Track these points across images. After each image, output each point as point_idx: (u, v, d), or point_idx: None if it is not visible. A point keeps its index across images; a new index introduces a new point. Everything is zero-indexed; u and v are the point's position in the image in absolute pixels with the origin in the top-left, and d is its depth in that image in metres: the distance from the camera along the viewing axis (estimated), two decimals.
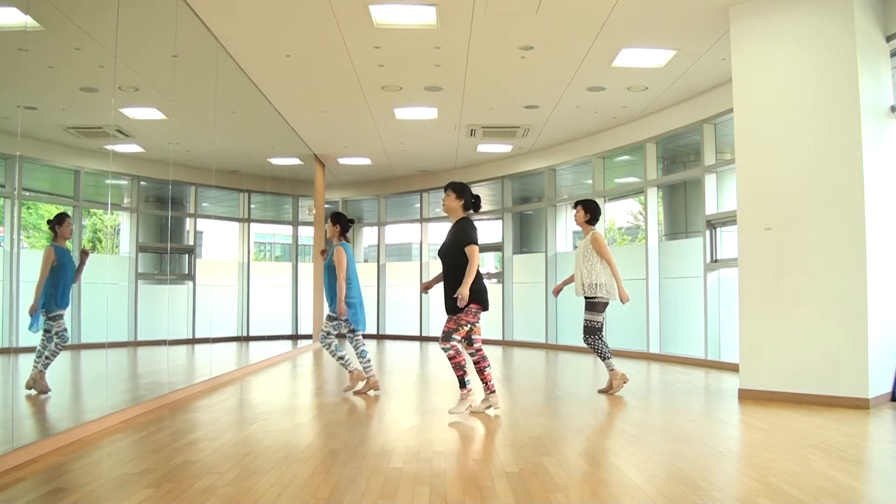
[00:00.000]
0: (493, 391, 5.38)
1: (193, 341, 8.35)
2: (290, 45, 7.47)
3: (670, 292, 10.04)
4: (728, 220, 8.52)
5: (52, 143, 5.94)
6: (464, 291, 5.17)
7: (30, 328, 5.50)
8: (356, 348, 6.59)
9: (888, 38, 6.09)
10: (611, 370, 6.45)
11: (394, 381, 7.98)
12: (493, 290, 13.71)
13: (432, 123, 10.57)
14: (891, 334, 5.88)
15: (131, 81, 6.32)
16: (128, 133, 6.56)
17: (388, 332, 15.42)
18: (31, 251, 5.98)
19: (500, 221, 13.72)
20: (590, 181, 11.85)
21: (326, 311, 6.65)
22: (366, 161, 13.41)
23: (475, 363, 5.43)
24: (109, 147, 6.04)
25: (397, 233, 17.14)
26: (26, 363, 5.39)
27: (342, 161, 13.39)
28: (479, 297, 5.33)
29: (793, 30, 6.14)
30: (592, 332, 6.50)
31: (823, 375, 5.76)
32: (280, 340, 10.83)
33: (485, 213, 14.71)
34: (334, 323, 6.51)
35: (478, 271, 5.31)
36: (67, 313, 5.72)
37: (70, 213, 6.25)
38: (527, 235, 14.04)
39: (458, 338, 5.33)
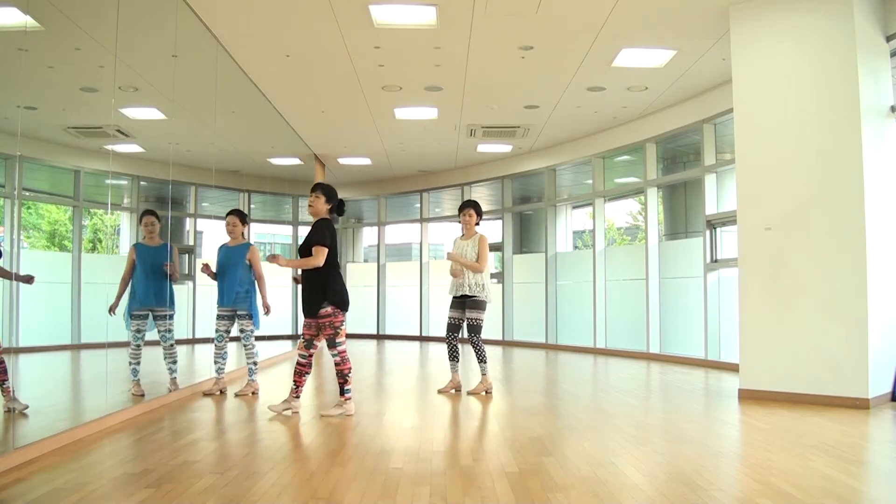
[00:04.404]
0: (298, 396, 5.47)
1: (193, 341, 8.34)
2: (290, 45, 7.46)
3: (670, 292, 10.04)
4: (728, 220, 8.52)
5: (52, 143, 5.94)
6: (282, 261, 5.23)
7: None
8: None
9: (888, 38, 6.09)
10: (484, 374, 6.49)
11: (394, 381, 7.98)
12: (493, 290, 13.76)
13: (432, 123, 10.57)
14: (891, 334, 5.88)
15: (131, 81, 6.32)
16: (128, 133, 6.55)
17: (388, 332, 15.42)
18: (32, 251, 5.97)
19: (500, 221, 13.71)
20: (590, 181, 11.85)
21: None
22: (366, 161, 13.41)
23: (303, 365, 5.42)
24: (109, 147, 6.04)
25: (397, 233, 17.15)
26: (27, 363, 5.39)
27: (342, 161, 13.38)
28: (338, 299, 5.29)
29: (793, 30, 6.14)
30: (478, 330, 6.53)
31: (823, 375, 5.76)
32: (280, 340, 10.83)
33: (485, 212, 14.69)
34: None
35: (338, 273, 5.37)
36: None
37: (70, 213, 6.25)
38: (527, 235, 14.04)
39: (343, 341, 5.33)
